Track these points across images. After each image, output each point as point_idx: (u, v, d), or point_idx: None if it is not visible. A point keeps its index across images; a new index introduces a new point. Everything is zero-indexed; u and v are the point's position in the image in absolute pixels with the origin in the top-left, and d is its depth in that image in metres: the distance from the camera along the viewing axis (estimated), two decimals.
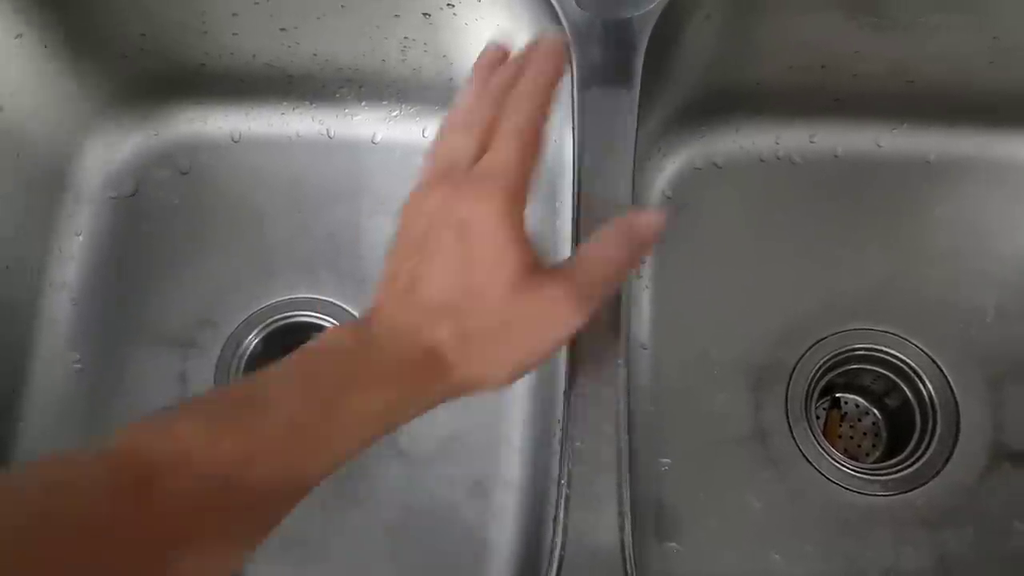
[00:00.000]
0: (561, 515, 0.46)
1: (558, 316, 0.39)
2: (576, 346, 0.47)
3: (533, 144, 0.39)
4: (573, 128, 0.54)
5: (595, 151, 0.54)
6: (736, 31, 0.62)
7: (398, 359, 0.38)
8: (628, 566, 0.45)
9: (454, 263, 0.38)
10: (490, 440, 0.64)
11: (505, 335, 0.39)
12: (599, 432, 0.47)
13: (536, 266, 0.39)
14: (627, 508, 0.46)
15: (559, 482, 0.47)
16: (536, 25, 0.59)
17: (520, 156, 0.39)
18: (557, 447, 0.49)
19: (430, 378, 0.39)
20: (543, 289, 0.38)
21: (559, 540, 0.46)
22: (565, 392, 0.48)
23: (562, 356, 0.51)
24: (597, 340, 0.47)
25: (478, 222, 0.38)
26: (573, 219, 0.53)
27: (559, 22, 0.56)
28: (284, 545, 0.62)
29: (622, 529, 0.46)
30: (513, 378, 0.40)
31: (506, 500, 0.63)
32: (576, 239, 0.51)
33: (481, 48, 0.64)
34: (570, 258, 0.43)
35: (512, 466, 0.63)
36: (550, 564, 0.46)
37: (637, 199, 0.55)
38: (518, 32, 0.61)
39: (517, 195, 0.38)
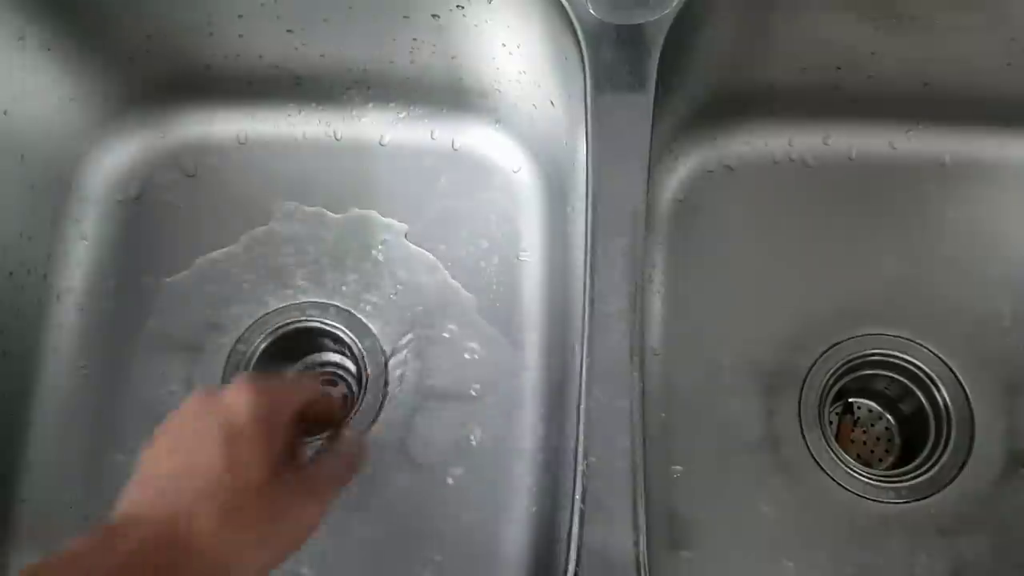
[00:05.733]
0: (576, 530, 0.45)
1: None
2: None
3: None
4: (587, 132, 0.54)
5: (609, 155, 0.53)
6: (750, 33, 0.61)
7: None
8: None
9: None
10: (501, 447, 0.64)
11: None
12: (614, 446, 0.46)
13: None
14: (642, 524, 0.45)
15: (573, 497, 0.46)
16: (547, 27, 0.58)
17: None
18: (571, 460, 0.48)
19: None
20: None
21: (574, 555, 0.45)
22: (579, 405, 0.47)
23: (575, 366, 0.51)
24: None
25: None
26: (587, 224, 0.52)
27: (571, 25, 0.55)
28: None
29: (637, 545, 0.45)
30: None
31: (518, 506, 0.62)
32: (591, 245, 0.51)
33: (491, 50, 0.64)
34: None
35: (524, 476, 0.63)
36: None
37: (649, 203, 0.55)
38: (528, 34, 0.61)
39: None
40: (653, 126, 0.55)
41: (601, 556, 0.45)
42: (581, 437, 0.46)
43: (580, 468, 0.46)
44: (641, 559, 0.44)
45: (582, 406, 0.47)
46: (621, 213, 0.52)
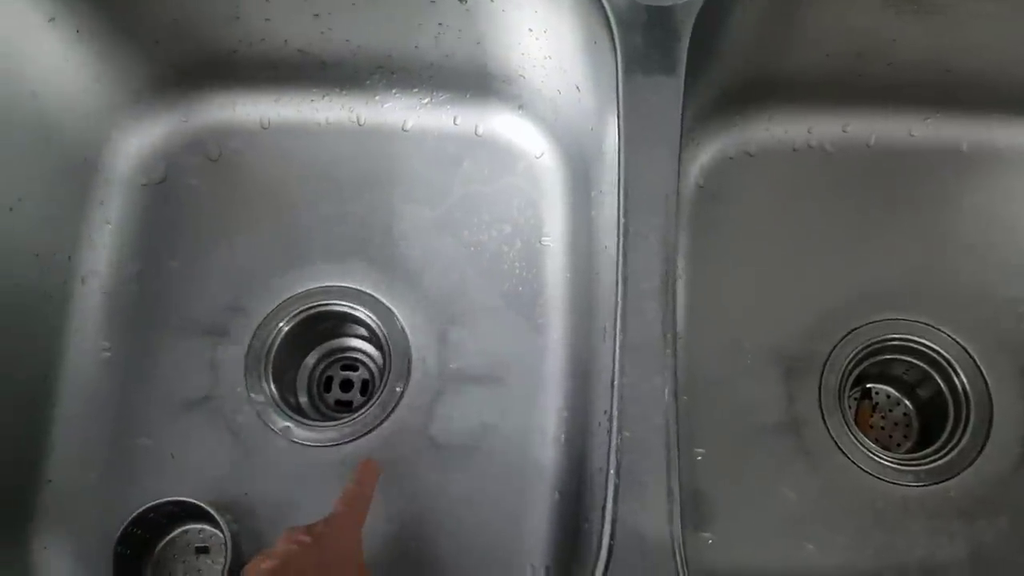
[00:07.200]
0: (610, 505, 0.46)
1: None
2: None
3: None
4: (619, 116, 0.54)
5: (640, 139, 0.54)
6: (777, 19, 0.62)
7: None
8: (678, 557, 0.45)
9: None
10: (524, 430, 0.64)
11: None
12: (648, 422, 0.47)
13: None
14: (676, 498, 0.46)
15: (607, 472, 0.46)
16: (576, 11, 0.59)
17: None
18: (604, 437, 0.48)
19: None
20: None
21: (608, 530, 0.46)
22: (613, 382, 0.48)
23: (601, 348, 0.51)
24: None
25: None
26: (619, 205, 0.52)
27: (602, 9, 0.55)
28: None
29: (671, 520, 0.45)
30: None
31: (542, 489, 0.63)
32: (624, 226, 0.51)
33: (517, 35, 0.64)
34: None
35: (547, 458, 0.63)
36: (599, 554, 0.46)
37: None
38: (556, 18, 0.61)
39: None
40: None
41: (635, 530, 0.45)
42: (615, 413, 0.47)
43: (615, 443, 0.46)
44: (675, 533, 0.45)
45: (615, 383, 0.47)
46: (653, 195, 0.52)
